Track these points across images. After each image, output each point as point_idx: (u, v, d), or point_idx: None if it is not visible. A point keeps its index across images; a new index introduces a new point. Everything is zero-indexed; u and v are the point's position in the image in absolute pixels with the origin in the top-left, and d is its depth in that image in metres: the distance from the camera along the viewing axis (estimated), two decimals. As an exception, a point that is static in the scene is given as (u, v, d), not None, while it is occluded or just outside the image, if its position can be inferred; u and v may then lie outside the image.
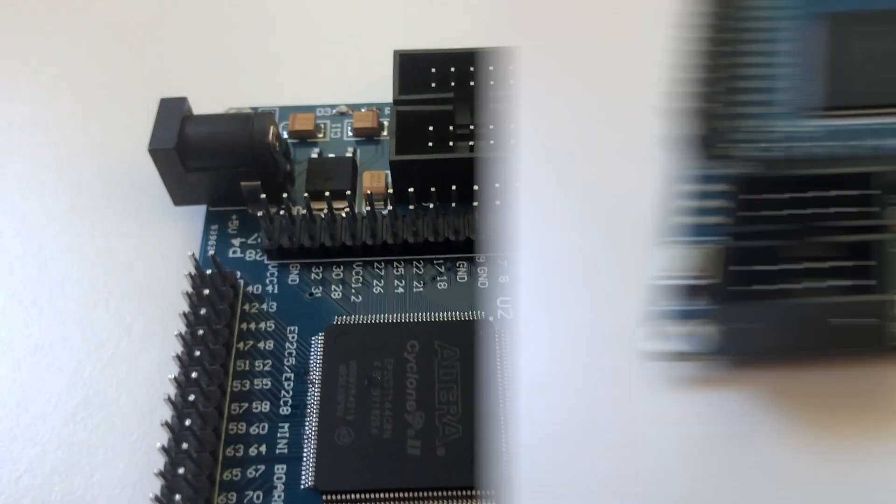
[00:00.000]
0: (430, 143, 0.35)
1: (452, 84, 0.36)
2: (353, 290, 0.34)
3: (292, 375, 0.31)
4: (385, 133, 0.37)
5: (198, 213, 0.35)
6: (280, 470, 0.29)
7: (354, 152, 0.37)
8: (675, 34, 0.38)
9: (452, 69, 0.36)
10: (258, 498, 0.29)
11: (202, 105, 0.35)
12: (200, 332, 0.30)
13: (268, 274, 0.34)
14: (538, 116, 0.36)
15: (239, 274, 0.34)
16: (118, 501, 0.29)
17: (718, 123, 0.38)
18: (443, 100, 0.35)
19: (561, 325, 0.29)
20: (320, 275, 0.34)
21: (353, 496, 0.29)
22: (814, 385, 0.28)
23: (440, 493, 0.29)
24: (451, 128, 0.35)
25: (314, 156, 0.36)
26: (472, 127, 0.36)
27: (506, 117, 0.34)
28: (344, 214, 0.34)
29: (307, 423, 0.30)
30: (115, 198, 0.37)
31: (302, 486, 0.29)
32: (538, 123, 0.36)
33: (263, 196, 0.33)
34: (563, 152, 0.37)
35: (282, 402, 0.31)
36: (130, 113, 0.38)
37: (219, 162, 0.33)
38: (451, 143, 0.35)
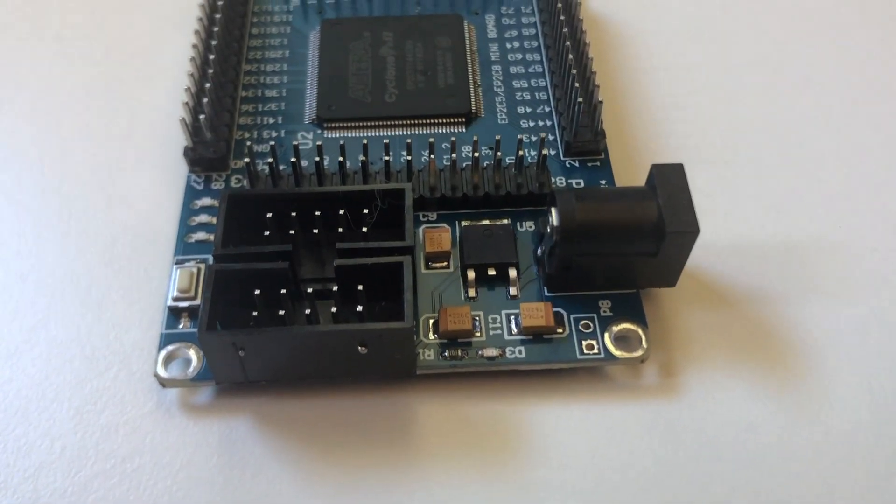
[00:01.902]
0: None
1: None
2: None
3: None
4: None
5: None
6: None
7: None
8: (193, 43, 0.37)
9: None
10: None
11: None
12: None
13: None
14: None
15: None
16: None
17: (213, 135, 0.30)
18: None
19: (65, 344, 0.32)
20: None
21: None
22: (331, 413, 0.31)
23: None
24: None
25: None
26: None
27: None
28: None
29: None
30: None
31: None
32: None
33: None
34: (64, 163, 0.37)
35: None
36: None
37: None
38: None
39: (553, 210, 0.30)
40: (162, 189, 0.36)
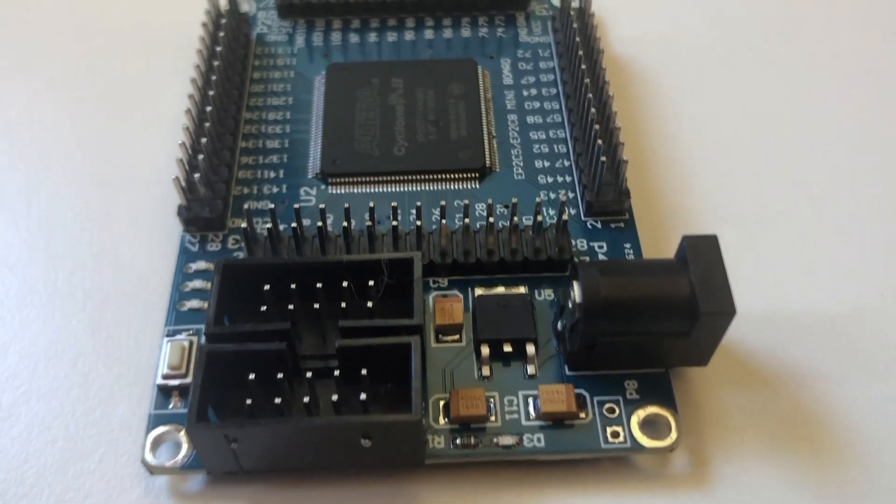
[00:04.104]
0: None
1: None
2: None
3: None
4: None
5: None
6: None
7: None
8: (190, 93, 0.35)
9: None
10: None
11: None
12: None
13: None
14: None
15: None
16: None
17: (209, 192, 0.27)
18: None
19: (47, 423, 0.30)
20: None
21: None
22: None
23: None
24: None
25: None
26: None
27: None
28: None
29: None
30: None
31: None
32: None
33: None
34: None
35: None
36: None
37: None
38: None
39: (575, 284, 0.28)
40: (155, 249, 0.34)
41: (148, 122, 0.38)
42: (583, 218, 0.33)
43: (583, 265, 0.28)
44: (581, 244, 0.33)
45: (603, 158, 0.32)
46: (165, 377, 0.29)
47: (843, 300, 0.32)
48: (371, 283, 0.29)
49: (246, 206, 0.32)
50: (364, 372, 0.27)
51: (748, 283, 0.33)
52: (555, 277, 0.32)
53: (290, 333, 0.27)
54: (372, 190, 0.34)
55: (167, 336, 0.30)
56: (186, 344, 0.30)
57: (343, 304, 0.29)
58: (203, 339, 0.28)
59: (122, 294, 0.33)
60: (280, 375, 0.27)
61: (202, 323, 0.30)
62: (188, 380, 0.29)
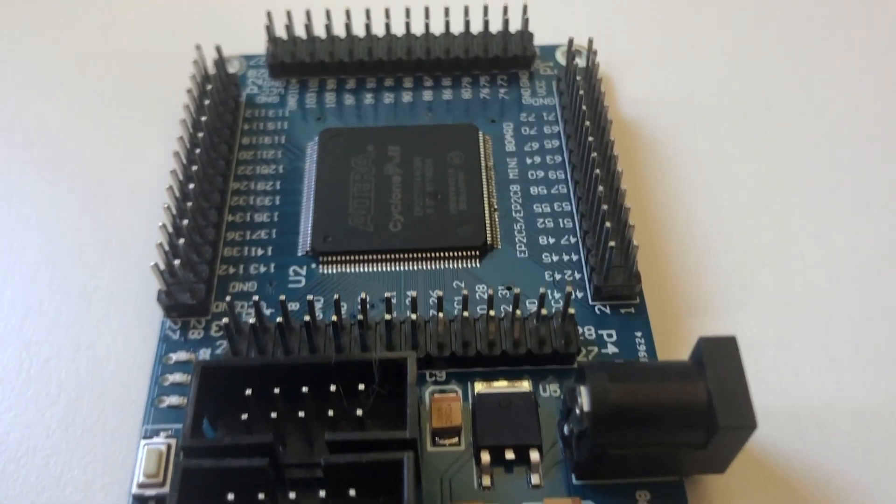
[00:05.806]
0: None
1: None
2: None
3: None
4: None
5: None
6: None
7: None
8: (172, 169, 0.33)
9: None
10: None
11: None
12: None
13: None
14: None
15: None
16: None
17: (191, 274, 0.27)
18: None
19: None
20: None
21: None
22: None
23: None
24: None
25: None
26: None
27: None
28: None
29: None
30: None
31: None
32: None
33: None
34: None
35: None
36: None
37: None
38: None
39: (583, 390, 0.26)
40: (135, 335, 0.32)
41: (129, 197, 0.36)
42: (590, 302, 0.31)
43: (591, 369, 0.26)
44: (589, 332, 0.30)
45: (612, 243, 0.30)
46: (141, 486, 0.27)
47: (874, 394, 0.30)
48: (361, 386, 0.27)
49: (228, 296, 0.30)
50: (352, 493, 0.24)
51: (768, 374, 0.30)
52: (560, 370, 0.30)
53: (273, 447, 0.25)
54: (365, 269, 0.32)
55: (144, 437, 0.28)
56: (164, 448, 0.28)
57: (331, 413, 0.26)
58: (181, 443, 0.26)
59: (100, 385, 0.31)
60: (261, 496, 0.24)
61: (181, 422, 0.28)
62: (165, 489, 0.27)
